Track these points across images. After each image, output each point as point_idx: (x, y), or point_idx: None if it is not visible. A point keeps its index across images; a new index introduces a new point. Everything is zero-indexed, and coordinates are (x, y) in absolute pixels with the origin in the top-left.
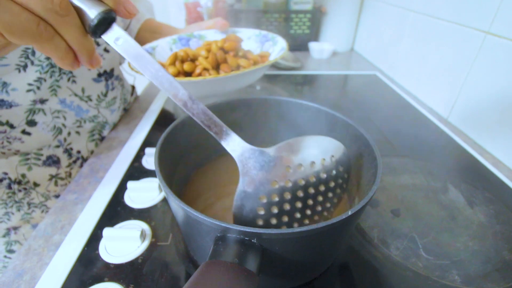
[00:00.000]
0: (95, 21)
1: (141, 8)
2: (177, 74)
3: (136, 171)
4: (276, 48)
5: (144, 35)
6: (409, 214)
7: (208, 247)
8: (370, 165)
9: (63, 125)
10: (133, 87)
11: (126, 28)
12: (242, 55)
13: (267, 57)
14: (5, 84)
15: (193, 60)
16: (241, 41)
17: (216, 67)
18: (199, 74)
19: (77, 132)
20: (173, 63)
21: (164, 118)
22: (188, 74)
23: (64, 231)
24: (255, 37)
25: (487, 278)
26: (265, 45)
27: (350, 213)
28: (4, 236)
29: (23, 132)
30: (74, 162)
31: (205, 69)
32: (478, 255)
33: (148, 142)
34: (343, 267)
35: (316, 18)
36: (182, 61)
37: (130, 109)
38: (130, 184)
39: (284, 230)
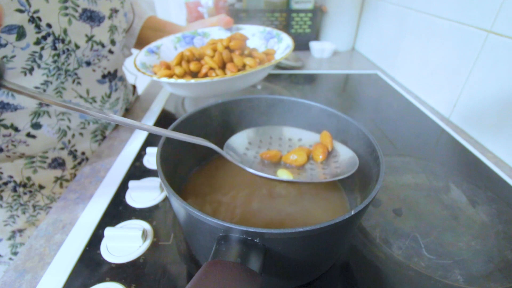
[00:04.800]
0: None
1: (143, 5)
2: (184, 74)
3: (137, 171)
4: (282, 45)
5: (147, 33)
6: (411, 214)
7: (210, 247)
8: (372, 165)
9: (68, 127)
10: (134, 87)
11: (129, 27)
12: (247, 53)
13: (272, 54)
14: None
15: (199, 59)
16: (246, 39)
17: (222, 66)
18: (205, 74)
19: (81, 134)
20: (179, 63)
21: (165, 118)
22: (194, 73)
23: (66, 231)
24: (259, 34)
25: (490, 277)
26: (270, 42)
27: (353, 212)
28: (9, 238)
29: (28, 135)
30: (79, 163)
31: (211, 68)
32: (481, 254)
33: (149, 141)
34: (345, 267)
35: (317, 17)
36: (188, 61)
37: (131, 109)
38: (132, 183)
39: (287, 229)
